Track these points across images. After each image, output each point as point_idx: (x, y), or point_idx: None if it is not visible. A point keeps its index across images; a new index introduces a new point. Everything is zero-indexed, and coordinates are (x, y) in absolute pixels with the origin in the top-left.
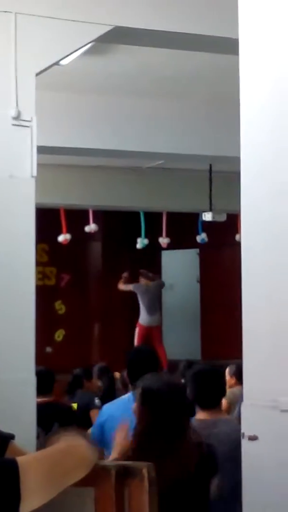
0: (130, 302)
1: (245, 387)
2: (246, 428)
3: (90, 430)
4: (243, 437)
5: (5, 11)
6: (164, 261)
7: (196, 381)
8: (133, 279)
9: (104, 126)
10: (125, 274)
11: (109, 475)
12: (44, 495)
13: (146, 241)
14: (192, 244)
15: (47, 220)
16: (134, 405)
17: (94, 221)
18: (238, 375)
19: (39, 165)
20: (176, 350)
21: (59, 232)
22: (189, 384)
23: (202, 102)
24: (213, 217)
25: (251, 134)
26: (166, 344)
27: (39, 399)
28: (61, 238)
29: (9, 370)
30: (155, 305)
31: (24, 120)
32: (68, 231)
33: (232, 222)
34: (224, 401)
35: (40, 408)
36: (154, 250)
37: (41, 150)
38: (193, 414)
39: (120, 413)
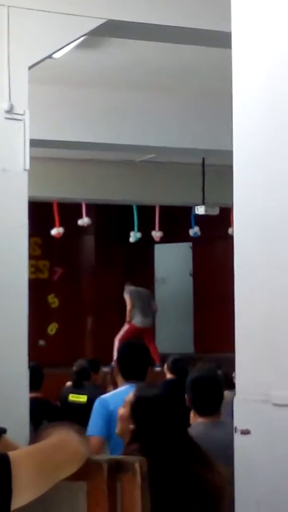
0: (123, 296)
1: (238, 381)
2: (238, 422)
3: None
4: (235, 431)
5: None
6: (157, 255)
7: (194, 388)
8: (125, 276)
9: (97, 120)
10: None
11: (101, 469)
12: (36, 489)
13: (139, 234)
14: (185, 237)
15: (40, 213)
16: (120, 411)
17: (87, 215)
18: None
19: (32, 158)
20: (169, 344)
21: (52, 226)
22: (187, 391)
23: (195, 96)
24: (206, 211)
25: (243, 127)
26: (159, 338)
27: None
28: (54, 231)
29: (2, 363)
30: (149, 309)
31: (17, 114)
32: (61, 225)
33: (225, 216)
34: None
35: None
36: (147, 244)
37: (34, 143)
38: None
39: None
